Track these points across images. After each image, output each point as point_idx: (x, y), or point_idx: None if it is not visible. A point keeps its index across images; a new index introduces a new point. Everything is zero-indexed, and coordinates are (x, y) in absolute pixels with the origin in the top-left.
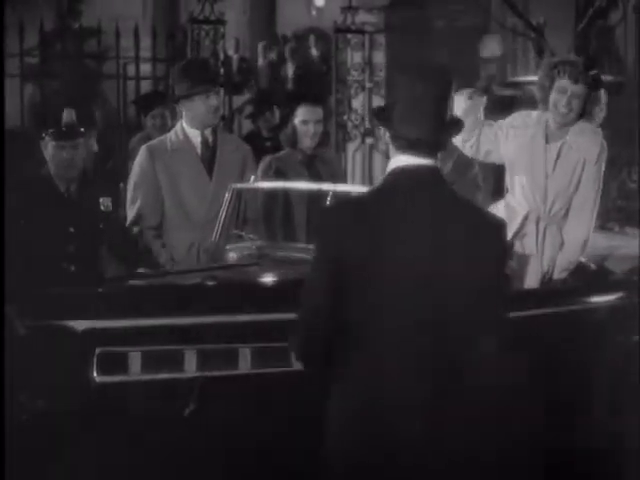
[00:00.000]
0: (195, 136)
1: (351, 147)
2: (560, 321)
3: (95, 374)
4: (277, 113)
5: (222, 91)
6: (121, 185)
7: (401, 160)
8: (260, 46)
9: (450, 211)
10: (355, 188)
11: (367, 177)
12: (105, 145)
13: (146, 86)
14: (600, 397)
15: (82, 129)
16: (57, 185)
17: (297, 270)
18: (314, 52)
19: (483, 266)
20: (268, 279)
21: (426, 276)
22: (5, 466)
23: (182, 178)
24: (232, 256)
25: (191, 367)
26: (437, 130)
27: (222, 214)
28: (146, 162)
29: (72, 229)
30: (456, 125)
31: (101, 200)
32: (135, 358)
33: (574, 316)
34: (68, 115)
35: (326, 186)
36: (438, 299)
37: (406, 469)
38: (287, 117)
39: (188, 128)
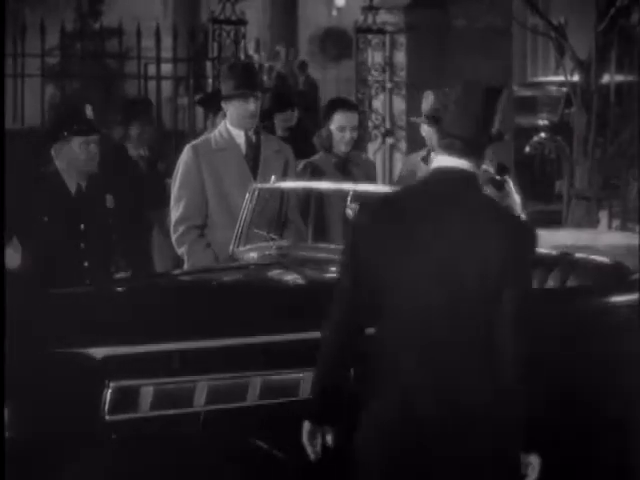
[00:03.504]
0: (239, 136)
1: (372, 147)
2: (579, 320)
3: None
4: (296, 114)
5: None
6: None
7: (441, 160)
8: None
9: (473, 214)
10: (377, 188)
11: (388, 177)
12: (156, 148)
13: (167, 86)
14: (618, 396)
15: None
16: (66, 183)
17: (319, 271)
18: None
19: (495, 268)
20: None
21: (440, 274)
22: None
23: (227, 177)
24: (252, 256)
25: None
26: (478, 132)
27: (242, 213)
28: (191, 161)
29: (83, 226)
30: (497, 136)
31: (107, 197)
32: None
33: (594, 315)
34: (89, 111)
35: (347, 186)
36: (453, 293)
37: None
38: (324, 121)
39: (232, 128)
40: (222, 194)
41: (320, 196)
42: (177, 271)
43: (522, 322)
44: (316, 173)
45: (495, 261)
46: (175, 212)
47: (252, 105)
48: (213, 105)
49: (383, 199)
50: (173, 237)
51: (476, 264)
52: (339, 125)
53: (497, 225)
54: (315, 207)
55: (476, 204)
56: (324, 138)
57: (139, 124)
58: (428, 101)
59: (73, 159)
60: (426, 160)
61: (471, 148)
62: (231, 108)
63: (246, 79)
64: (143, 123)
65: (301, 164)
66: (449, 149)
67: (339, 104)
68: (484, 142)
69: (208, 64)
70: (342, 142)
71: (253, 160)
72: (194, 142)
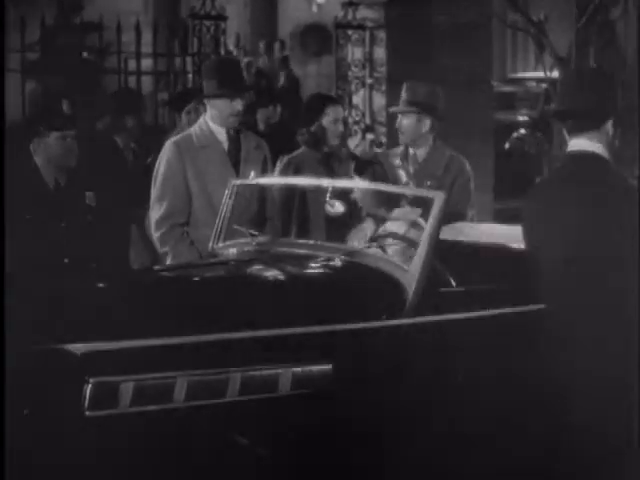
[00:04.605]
0: (220, 133)
1: (352, 143)
2: None
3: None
4: (278, 110)
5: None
6: None
7: (571, 144)
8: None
9: (597, 194)
10: (356, 183)
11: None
12: (143, 143)
13: (147, 81)
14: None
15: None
16: (44, 179)
17: (299, 267)
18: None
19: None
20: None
21: (568, 254)
22: None
23: (210, 174)
24: (232, 252)
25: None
26: (587, 103)
27: (222, 209)
28: (174, 157)
29: (63, 223)
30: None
31: (87, 194)
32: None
33: None
34: (65, 106)
35: (326, 182)
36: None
37: None
38: (313, 117)
39: (212, 124)
40: (205, 191)
41: (303, 192)
42: (157, 267)
43: None
44: (299, 169)
45: (620, 236)
46: (158, 210)
47: (239, 104)
48: (179, 105)
49: (537, 184)
50: (155, 235)
51: (599, 239)
52: (334, 118)
53: (621, 202)
54: (297, 203)
55: (600, 184)
56: (317, 133)
57: (133, 116)
58: (405, 91)
59: (50, 154)
60: (406, 156)
61: (585, 120)
62: (215, 106)
63: (233, 78)
64: (137, 116)
65: (284, 160)
66: (568, 129)
67: (328, 98)
68: (600, 113)
69: (188, 59)
70: (335, 135)
71: (235, 156)
72: (175, 138)
